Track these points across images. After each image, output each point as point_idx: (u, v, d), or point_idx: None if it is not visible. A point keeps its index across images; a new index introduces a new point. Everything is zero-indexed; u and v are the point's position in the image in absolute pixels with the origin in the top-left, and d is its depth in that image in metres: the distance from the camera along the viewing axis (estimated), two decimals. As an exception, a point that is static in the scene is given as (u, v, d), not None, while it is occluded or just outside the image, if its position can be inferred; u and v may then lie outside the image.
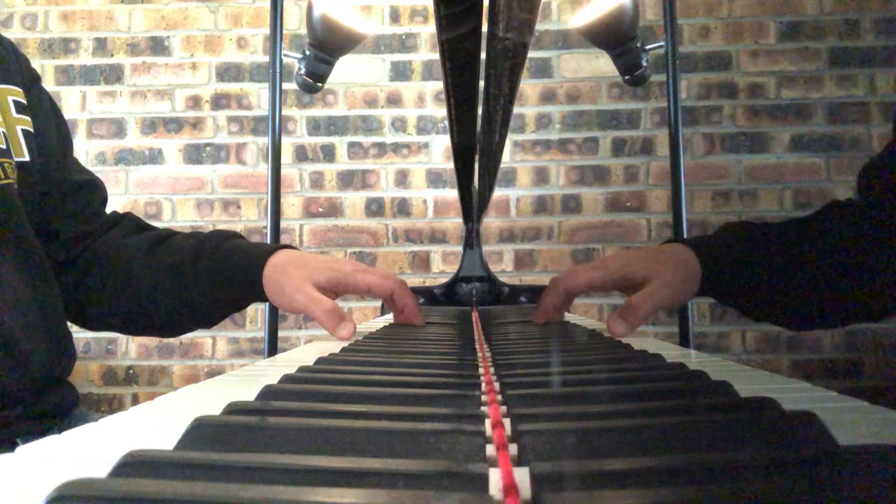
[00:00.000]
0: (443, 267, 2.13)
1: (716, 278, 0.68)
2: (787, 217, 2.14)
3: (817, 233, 0.71)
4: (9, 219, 0.64)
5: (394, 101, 2.16)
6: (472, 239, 1.25)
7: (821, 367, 2.06)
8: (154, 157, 2.17)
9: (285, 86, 1.57)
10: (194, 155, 2.17)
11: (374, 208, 2.15)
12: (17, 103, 0.68)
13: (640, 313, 0.64)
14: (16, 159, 0.66)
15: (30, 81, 0.72)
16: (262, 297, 0.71)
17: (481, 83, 0.51)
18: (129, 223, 0.79)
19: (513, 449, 0.23)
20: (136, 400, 2.11)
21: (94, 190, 0.78)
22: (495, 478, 0.19)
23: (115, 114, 2.19)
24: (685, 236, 1.39)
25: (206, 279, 0.70)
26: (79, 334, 0.77)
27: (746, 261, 0.69)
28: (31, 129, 0.69)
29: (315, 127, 2.16)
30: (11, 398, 0.61)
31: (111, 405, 2.12)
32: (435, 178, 2.15)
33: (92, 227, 0.76)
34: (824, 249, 0.69)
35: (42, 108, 0.73)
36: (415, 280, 2.12)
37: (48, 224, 0.72)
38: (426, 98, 2.16)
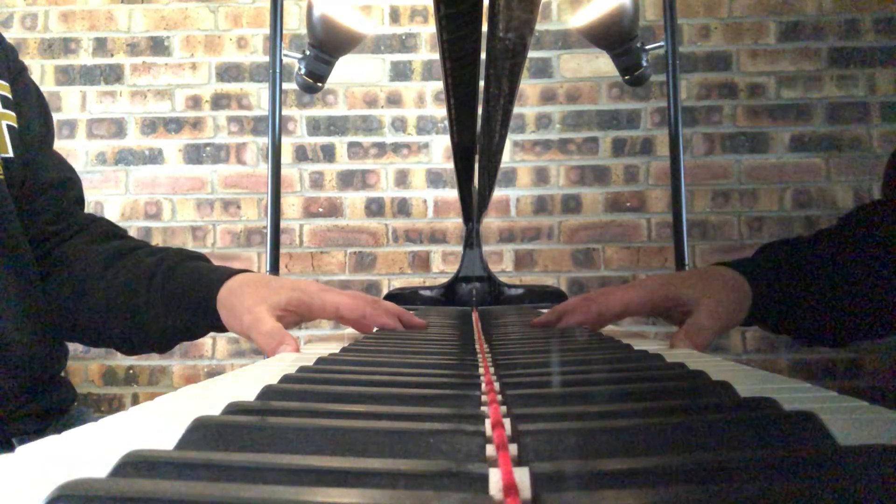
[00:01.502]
0: (443, 267, 2.13)
1: (766, 304, 0.63)
2: (787, 217, 2.13)
3: (855, 239, 0.67)
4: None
5: (394, 101, 2.16)
6: (472, 239, 1.25)
7: (821, 367, 2.06)
8: (154, 157, 2.17)
9: (285, 86, 1.57)
10: (194, 155, 2.17)
11: (374, 208, 2.15)
12: (3, 98, 0.67)
13: (707, 334, 0.57)
14: (1, 156, 0.66)
15: (16, 73, 0.71)
16: (218, 326, 0.65)
17: (481, 83, 0.51)
18: (98, 229, 0.74)
19: (513, 449, 0.23)
20: (136, 400, 2.11)
21: (67, 189, 0.74)
22: (495, 478, 0.19)
23: (115, 114, 2.19)
24: (685, 237, 1.39)
25: (158, 302, 0.65)
26: (79, 334, 0.76)
27: (795, 282, 0.63)
28: (15, 125, 0.68)
29: (315, 127, 2.16)
30: (4, 396, 0.61)
31: (111, 405, 2.12)
32: (435, 178, 2.15)
33: (59, 227, 0.72)
34: (866, 255, 0.65)
35: (27, 100, 0.71)
36: (415, 280, 2.12)
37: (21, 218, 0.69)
38: (426, 98, 2.16)
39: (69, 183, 0.75)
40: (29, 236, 0.69)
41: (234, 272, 0.66)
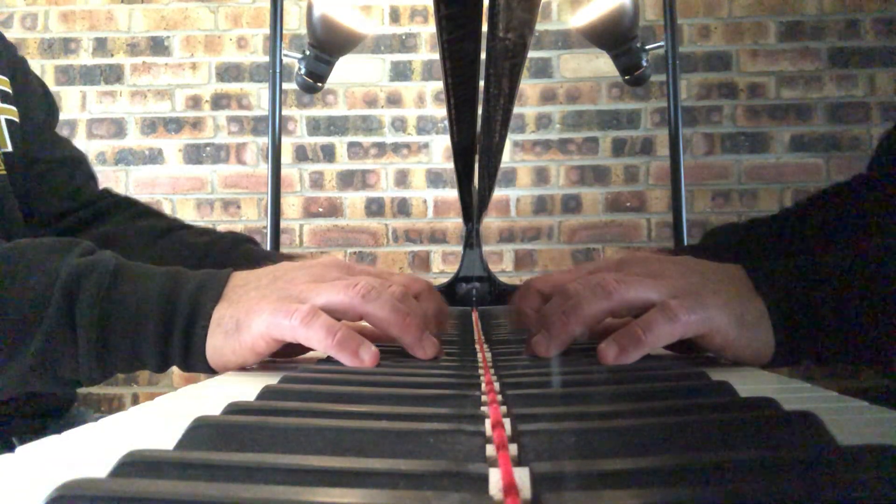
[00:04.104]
0: (443, 267, 2.12)
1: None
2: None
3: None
4: (1, 210, 0.64)
5: (394, 101, 2.16)
6: (472, 239, 1.25)
7: (821, 367, 2.06)
8: (154, 157, 2.17)
9: (285, 86, 1.57)
10: (194, 155, 2.17)
11: (374, 208, 2.15)
12: (2, 93, 0.68)
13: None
14: (1, 150, 0.66)
15: (15, 67, 0.72)
16: None
17: (481, 83, 0.51)
18: (132, 210, 0.73)
19: (513, 449, 0.23)
20: (136, 400, 2.11)
21: (76, 165, 0.74)
22: (495, 478, 0.19)
23: (115, 114, 2.18)
24: (685, 237, 1.38)
25: None
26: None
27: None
28: (16, 119, 0.68)
29: (315, 127, 2.16)
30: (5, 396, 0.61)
31: (111, 405, 2.12)
32: (435, 178, 2.15)
33: (74, 204, 0.71)
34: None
35: (29, 90, 0.72)
36: (415, 280, 2.11)
37: (28, 204, 0.69)
38: (426, 98, 2.16)
39: (78, 160, 0.75)
40: (45, 215, 0.69)
41: (290, 258, 0.63)
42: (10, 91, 0.69)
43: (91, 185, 0.76)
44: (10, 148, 0.67)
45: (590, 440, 0.21)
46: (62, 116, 2.12)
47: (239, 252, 0.66)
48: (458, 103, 0.49)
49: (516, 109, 1.14)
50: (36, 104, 0.72)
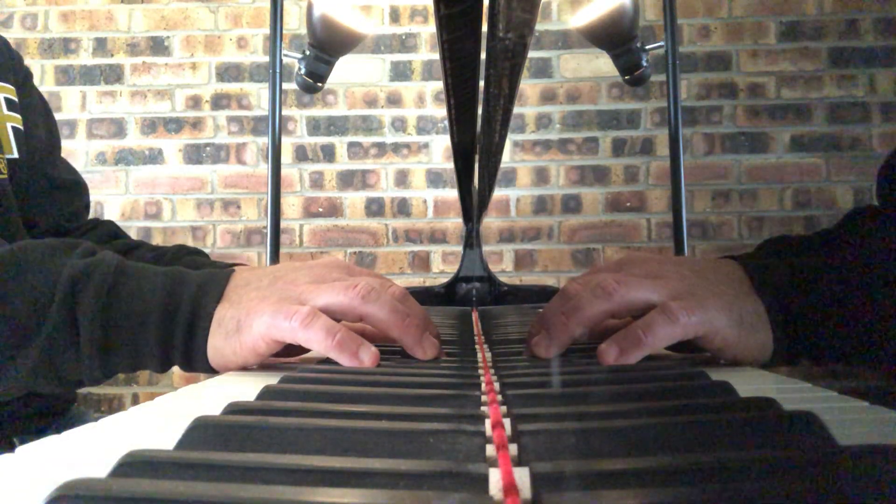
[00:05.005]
0: (443, 267, 2.12)
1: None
2: (787, 217, 2.12)
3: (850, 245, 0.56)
4: (1, 214, 0.64)
5: (394, 101, 2.16)
6: (472, 239, 1.25)
7: (820, 366, 2.06)
8: (154, 157, 2.17)
9: (285, 86, 1.57)
10: (194, 155, 2.17)
11: (374, 208, 2.15)
12: (8, 101, 0.69)
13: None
14: (6, 156, 0.67)
15: (22, 79, 0.73)
16: None
17: (481, 83, 0.50)
18: (104, 230, 0.77)
19: (513, 449, 0.23)
20: (136, 400, 2.11)
21: (77, 191, 0.78)
22: (495, 478, 0.19)
23: (115, 114, 2.18)
24: (685, 237, 1.38)
25: None
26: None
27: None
28: (21, 127, 0.70)
29: (315, 127, 2.16)
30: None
31: (111, 405, 2.12)
32: (435, 178, 2.15)
33: (69, 226, 0.75)
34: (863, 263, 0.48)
35: (33, 106, 0.73)
36: (415, 280, 2.12)
37: (27, 218, 0.72)
38: (426, 98, 2.16)
39: (80, 187, 0.79)
40: (37, 231, 0.72)
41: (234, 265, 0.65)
42: (16, 100, 0.70)
43: (84, 213, 0.79)
44: (15, 154, 0.68)
45: (590, 440, 0.21)
46: (62, 116, 2.14)
47: (179, 265, 0.66)
48: (458, 103, 0.49)
49: (516, 109, 1.14)
50: (39, 120, 0.74)
